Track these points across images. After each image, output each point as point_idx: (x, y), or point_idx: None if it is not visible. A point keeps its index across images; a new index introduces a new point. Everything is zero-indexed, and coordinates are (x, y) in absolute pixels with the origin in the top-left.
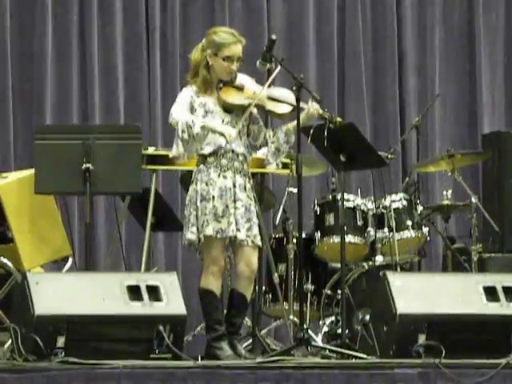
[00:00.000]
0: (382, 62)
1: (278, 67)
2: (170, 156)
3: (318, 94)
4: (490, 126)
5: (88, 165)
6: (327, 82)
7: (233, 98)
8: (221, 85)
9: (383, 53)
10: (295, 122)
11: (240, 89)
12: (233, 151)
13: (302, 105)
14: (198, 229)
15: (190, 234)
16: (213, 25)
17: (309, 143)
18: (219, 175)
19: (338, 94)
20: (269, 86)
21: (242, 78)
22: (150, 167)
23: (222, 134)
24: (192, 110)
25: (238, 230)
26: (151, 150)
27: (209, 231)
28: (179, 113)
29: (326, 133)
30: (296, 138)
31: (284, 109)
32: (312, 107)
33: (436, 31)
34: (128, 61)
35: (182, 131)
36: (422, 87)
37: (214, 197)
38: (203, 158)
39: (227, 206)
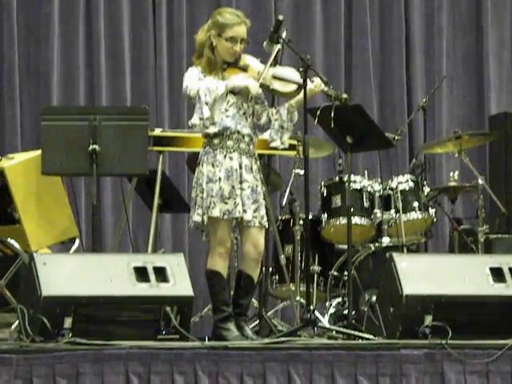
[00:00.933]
0: (389, 43)
1: (278, 46)
2: (190, 124)
3: (325, 75)
4: (498, 107)
5: (95, 146)
6: (334, 63)
7: (237, 78)
8: (225, 66)
9: (390, 34)
10: (298, 98)
11: (244, 69)
12: (238, 132)
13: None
14: (203, 210)
15: (196, 216)
16: (219, 5)
17: (316, 124)
18: (225, 156)
19: (345, 76)
20: (273, 65)
21: (247, 59)
22: (156, 149)
23: (247, 88)
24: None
25: (244, 211)
26: (158, 132)
27: (215, 212)
28: (196, 83)
29: (332, 114)
30: (303, 120)
31: (289, 87)
32: (316, 85)
33: (443, 11)
34: (134, 42)
35: (206, 95)
36: (428, 68)
37: (220, 178)
38: (209, 140)
39: (233, 187)
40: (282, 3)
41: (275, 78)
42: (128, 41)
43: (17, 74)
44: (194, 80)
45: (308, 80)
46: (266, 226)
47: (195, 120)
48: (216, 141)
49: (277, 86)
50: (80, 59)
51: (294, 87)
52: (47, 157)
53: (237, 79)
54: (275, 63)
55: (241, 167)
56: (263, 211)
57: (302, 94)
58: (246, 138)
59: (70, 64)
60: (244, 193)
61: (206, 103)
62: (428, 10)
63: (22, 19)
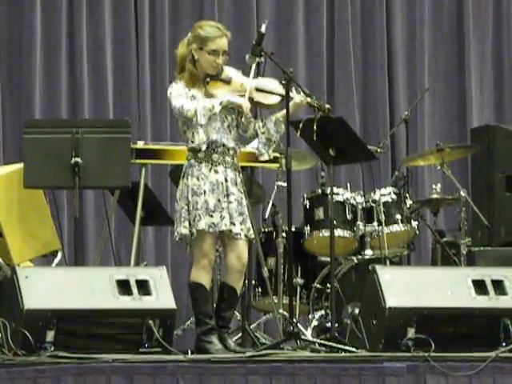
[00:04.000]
0: (371, 56)
1: (258, 59)
2: (191, 146)
3: (307, 87)
4: (479, 120)
5: (77, 159)
6: (316, 76)
7: (220, 91)
8: (208, 79)
9: (372, 47)
10: (284, 112)
11: (227, 82)
12: (223, 145)
13: (292, 95)
14: (190, 223)
15: (183, 229)
16: (201, 18)
17: (298, 137)
18: (210, 170)
19: (327, 88)
20: (256, 77)
21: (229, 71)
22: (139, 161)
23: (240, 107)
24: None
25: (232, 223)
26: (140, 144)
27: (201, 225)
28: (188, 103)
29: (315, 126)
30: (286, 132)
31: (272, 99)
32: (299, 96)
33: (425, 25)
34: (117, 55)
35: (202, 116)
36: (410, 81)
37: (205, 191)
38: (194, 153)
39: (219, 201)
40: (265, 16)
41: (258, 90)
42: (110, 54)
43: None
44: (185, 98)
45: (291, 91)
46: (253, 238)
47: (188, 134)
48: (201, 154)
49: (260, 98)
50: (62, 72)
51: (277, 99)
52: (29, 170)
53: (230, 96)
54: (258, 75)
55: (226, 180)
56: (249, 224)
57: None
58: (231, 151)
59: (53, 77)
60: (231, 206)
61: (200, 125)
62: (410, 24)
63: (5, 33)
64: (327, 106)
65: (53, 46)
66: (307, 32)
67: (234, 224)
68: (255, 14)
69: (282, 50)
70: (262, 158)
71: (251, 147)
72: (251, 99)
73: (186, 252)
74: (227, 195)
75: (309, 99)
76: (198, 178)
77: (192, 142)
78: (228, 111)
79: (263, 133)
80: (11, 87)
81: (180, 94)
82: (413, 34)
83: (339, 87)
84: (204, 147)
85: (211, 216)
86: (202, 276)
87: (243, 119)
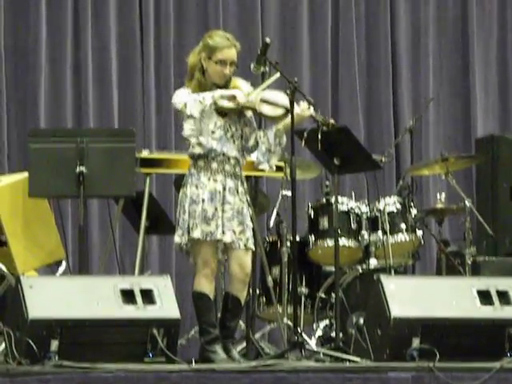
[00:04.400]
0: (375, 65)
1: (277, 74)
2: (184, 135)
3: (312, 97)
4: (484, 130)
5: (82, 168)
6: (321, 85)
7: (226, 101)
8: (215, 88)
9: (377, 55)
10: (285, 122)
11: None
12: (224, 154)
13: (295, 107)
14: (183, 232)
15: (177, 238)
16: (206, 27)
17: (303, 147)
18: (209, 179)
19: (332, 97)
20: (263, 89)
21: (237, 82)
22: (143, 170)
23: (233, 97)
24: None
25: (223, 232)
26: (145, 153)
27: (197, 234)
28: (181, 97)
29: (319, 136)
30: (290, 142)
31: (277, 112)
32: (303, 109)
33: (430, 33)
34: (122, 64)
35: (192, 108)
36: (415, 91)
37: (203, 200)
38: (194, 162)
39: (216, 209)
40: (270, 24)
41: (264, 101)
42: (115, 62)
43: (4, 95)
44: (182, 95)
45: (295, 104)
46: (252, 249)
47: (187, 131)
48: (201, 163)
49: (265, 109)
50: (67, 82)
51: (281, 111)
52: (34, 179)
53: (222, 91)
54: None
55: (224, 189)
56: (249, 233)
57: (289, 118)
58: (232, 161)
59: (58, 86)
60: (225, 215)
61: (193, 117)
62: (414, 32)
63: (10, 34)
64: (331, 121)
65: (58, 54)
66: (311, 40)
67: (225, 233)
68: (260, 21)
69: (286, 55)
70: (260, 167)
71: (255, 157)
72: (255, 110)
73: (190, 261)
74: (223, 204)
75: (312, 112)
76: (196, 187)
77: (192, 147)
78: (232, 121)
79: (263, 142)
80: (16, 96)
81: (179, 94)
82: (417, 42)
83: (343, 96)
84: (198, 150)
85: (208, 224)
86: (204, 285)
87: (247, 129)
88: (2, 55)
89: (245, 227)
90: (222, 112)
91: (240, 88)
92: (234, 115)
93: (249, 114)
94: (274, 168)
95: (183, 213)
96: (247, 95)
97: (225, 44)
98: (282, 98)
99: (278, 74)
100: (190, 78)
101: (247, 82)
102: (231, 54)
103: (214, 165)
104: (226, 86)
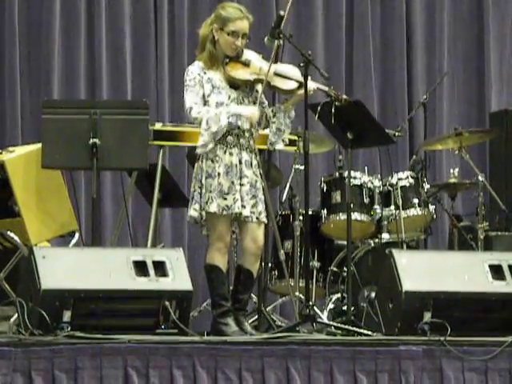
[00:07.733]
0: (390, 39)
1: (279, 41)
2: (199, 152)
3: (326, 71)
4: (498, 105)
5: (95, 140)
6: (335, 60)
7: (239, 73)
8: (227, 60)
9: (391, 30)
10: (294, 99)
11: (246, 64)
12: (239, 127)
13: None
14: (200, 206)
15: (193, 211)
16: (220, 1)
17: (316, 120)
18: (225, 152)
19: (346, 72)
20: (275, 61)
21: (249, 54)
22: (156, 143)
23: (247, 118)
24: (202, 87)
25: (243, 206)
26: (158, 126)
27: (213, 208)
28: (198, 106)
29: (333, 110)
30: (304, 116)
31: (290, 85)
32: (314, 84)
33: (445, 9)
34: (135, 36)
35: (209, 126)
36: (429, 65)
37: (219, 173)
38: None
39: (233, 183)
40: None
41: (277, 75)
42: (129, 35)
43: (17, 68)
44: (196, 95)
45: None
46: (265, 222)
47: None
48: None
49: (278, 83)
50: (81, 54)
51: (294, 85)
52: (47, 150)
53: (238, 108)
54: (276, 59)
55: (240, 163)
56: (261, 207)
57: (299, 94)
58: (246, 134)
59: (71, 59)
60: (243, 188)
61: (209, 132)
62: (429, 7)
63: (24, 13)
64: (345, 96)
65: (71, 28)
66: (325, 15)
67: (245, 207)
68: None
69: (300, 32)
70: (274, 147)
71: (268, 131)
72: (268, 83)
73: (202, 233)
74: (241, 177)
75: (325, 87)
76: (212, 161)
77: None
78: (245, 93)
79: (273, 122)
80: (30, 67)
81: (192, 86)
82: (432, 18)
83: (358, 70)
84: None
85: (225, 198)
86: (217, 258)
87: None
88: (15, 29)
89: (257, 200)
90: (234, 85)
91: (251, 61)
92: (245, 88)
93: (260, 87)
94: (288, 141)
95: (199, 187)
96: (260, 70)
97: (237, 15)
98: (295, 72)
99: (277, 41)
100: (202, 50)
101: (259, 55)
102: (243, 25)
103: (230, 138)
104: (237, 57)
